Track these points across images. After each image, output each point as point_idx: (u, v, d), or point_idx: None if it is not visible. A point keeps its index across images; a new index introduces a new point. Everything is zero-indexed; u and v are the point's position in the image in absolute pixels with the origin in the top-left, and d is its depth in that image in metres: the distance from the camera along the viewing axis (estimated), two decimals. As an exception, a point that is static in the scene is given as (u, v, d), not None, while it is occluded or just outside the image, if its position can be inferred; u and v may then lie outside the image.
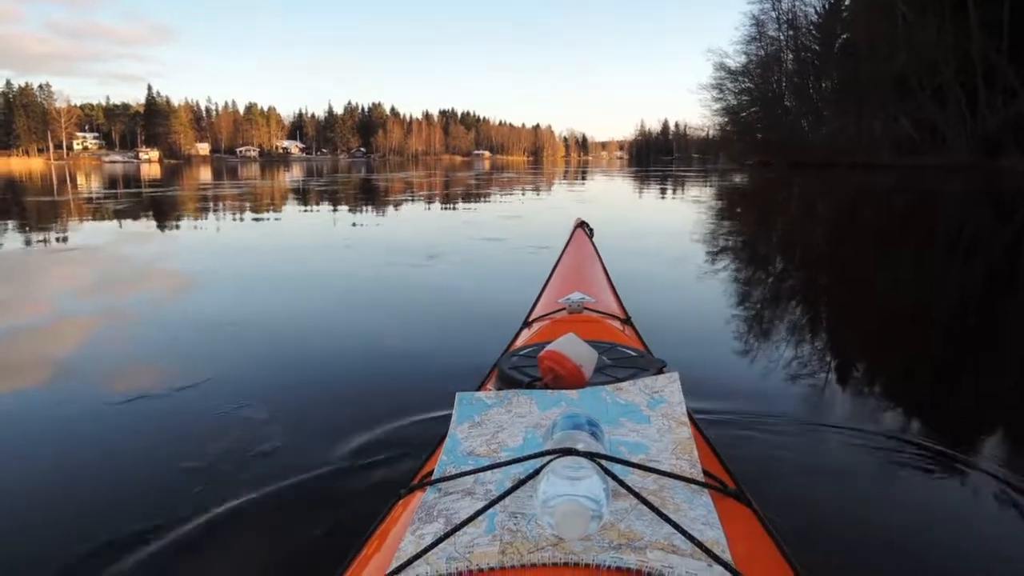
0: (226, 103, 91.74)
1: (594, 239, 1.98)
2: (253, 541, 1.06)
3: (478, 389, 0.97)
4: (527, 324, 1.34)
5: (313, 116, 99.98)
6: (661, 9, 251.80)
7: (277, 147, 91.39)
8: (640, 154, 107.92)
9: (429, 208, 9.04)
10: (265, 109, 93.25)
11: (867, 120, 27.08)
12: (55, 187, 14.47)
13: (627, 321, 1.34)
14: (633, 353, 0.99)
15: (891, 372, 2.09)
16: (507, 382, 0.89)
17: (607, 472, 0.52)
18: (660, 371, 0.88)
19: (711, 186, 15.10)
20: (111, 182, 17.41)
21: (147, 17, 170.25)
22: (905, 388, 1.97)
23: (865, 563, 1.00)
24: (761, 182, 17.42)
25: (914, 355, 2.29)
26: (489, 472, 0.61)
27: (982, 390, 1.89)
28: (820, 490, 1.20)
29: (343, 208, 8.85)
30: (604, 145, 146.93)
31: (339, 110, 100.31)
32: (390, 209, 8.61)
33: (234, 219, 7.45)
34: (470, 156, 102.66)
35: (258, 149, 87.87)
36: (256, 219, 7.47)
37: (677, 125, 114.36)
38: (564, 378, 0.81)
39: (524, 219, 6.68)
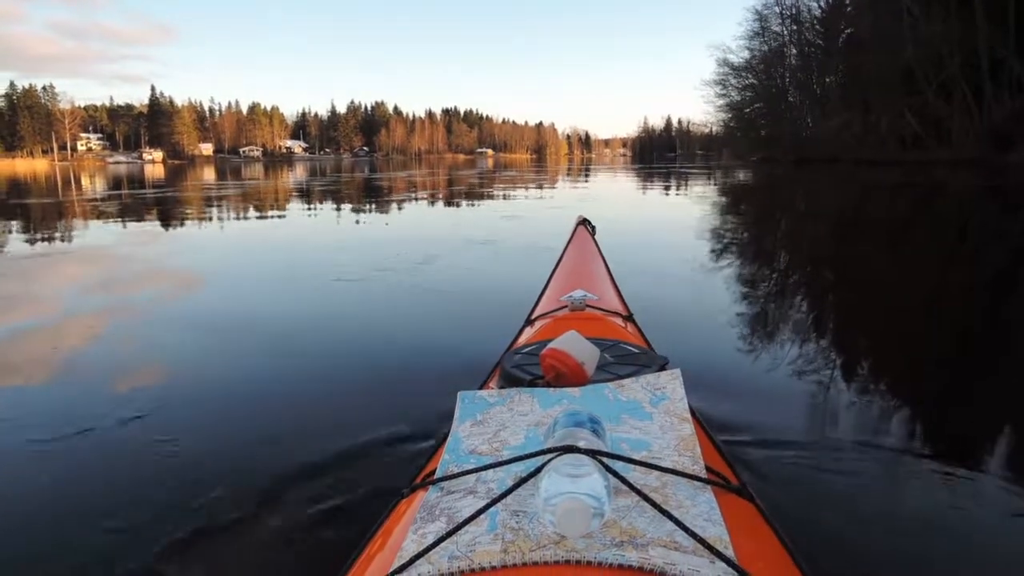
0: (229, 103, 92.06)
1: (596, 236, 1.98)
2: (255, 540, 1.07)
3: (481, 387, 0.97)
4: (529, 322, 1.34)
5: (316, 115, 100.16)
6: (663, 5, 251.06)
7: (280, 147, 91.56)
8: (643, 151, 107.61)
9: (432, 205, 9.05)
10: (268, 109, 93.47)
11: (872, 115, 26.90)
12: (59, 188, 14.54)
13: (629, 318, 1.33)
14: (635, 350, 0.99)
15: (897, 370, 2.08)
16: (509, 380, 0.89)
17: (609, 469, 0.52)
18: (662, 368, 0.88)
19: (714, 183, 15.06)
20: (115, 183, 17.49)
21: (150, 17, 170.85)
22: (912, 386, 1.96)
23: (870, 560, 0.99)
24: (765, 178, 17.35)
25: (921, 353, 2.27)
26: (491, 471, 0.61)
27: (991, 389, 1.87)
28: (824, 486, 1.20)
29: (345, 208, 8.86)
30: (607, 142, 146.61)
31: (342, 109, 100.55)
32: (391, 209, 8.61)
33: (237, 219, 7.47)
34: (473, 154, 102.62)
35: (261, 149, 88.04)
36: (260, 219, 7.50)
37: (680, 122, 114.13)
38: (566, 376, 0.81)
39: (524, 219, 6.64)
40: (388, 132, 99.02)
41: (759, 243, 5.37)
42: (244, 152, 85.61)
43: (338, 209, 8.73)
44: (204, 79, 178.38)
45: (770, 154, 33.61)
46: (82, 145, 77.93)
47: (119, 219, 7.49)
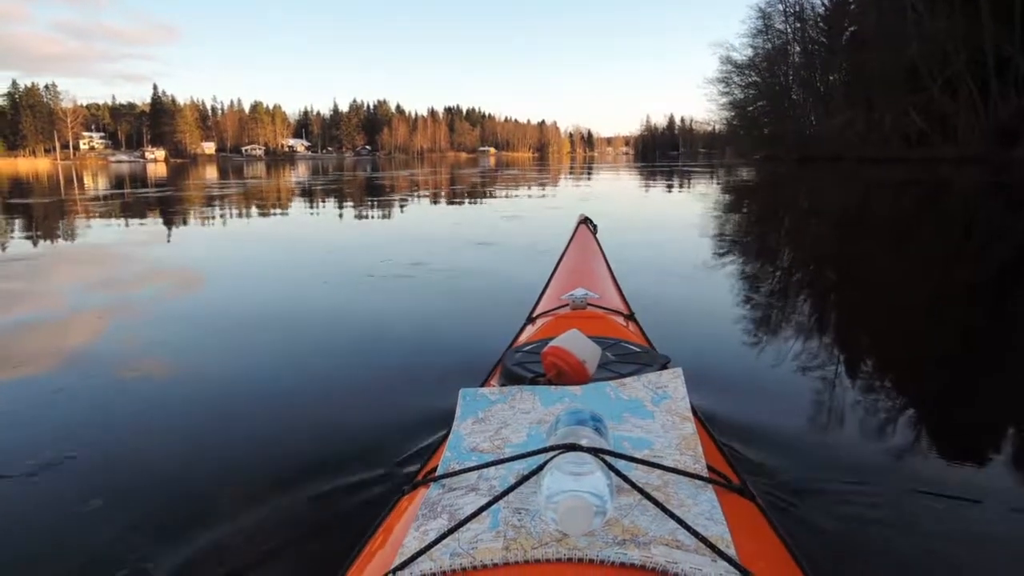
0: (231, 102, 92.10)
1: (597, 235, 1.98)
2: (256, 537, 1.07)
3: (482, 385, 0.97)
4: (531, 320, 1.34)
5: (319, 114, 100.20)
6: (666, 3, 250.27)
7: (283, 145, 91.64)
8: (646, 150, 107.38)
9: (434, 204, 9.05)
10: (270, 107, 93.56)
11: (877, 113, 26.77)
12: (62, 187, 14.57)
13: (631, 317, 1.34)
14: (637, 349, 0.99)
15: (900, 368, 2.07)
16: (511, 378, 0.89)
17: (611, 468, 0.52)
18: (664, 367, 0.88)
19: (717, 181, 15.02)
20: (117, 182, 17.52)
21: (153, 17, 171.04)
22: (915, 384, 1.95)
23: (871, 559, 0.99)
24: (768, 177, 17.30)
25: (925, 352, 2.26)
26: (493, 468, 0.61)
27: (995, 387, 1.86)
28: (825, 486, 1.20)
29: (346, 207, 8.86)
30: (610, 141, 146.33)
31: (344, 108, 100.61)
32: (392, 208, 8.59)
33: (239, 218, 7.48)
34: (475, 153, 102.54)
35: (264, 148, 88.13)
36: (261, 218, 7.51)
37: (683, 120, 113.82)
38: (568, 374, 0.82)
39: (525, 220, 6.58)
40: (390, 131, 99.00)
41: (761, 242, 5.36)
42: (246, 151, 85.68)
43: (339, 208, 8.73)
44: (206, 78, 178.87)
45: (773, 152, 33.52)
46: (84, 144, 78.08)
47: (119, 218, 7.51)
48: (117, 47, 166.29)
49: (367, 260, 4.19)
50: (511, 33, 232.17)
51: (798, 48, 36.06)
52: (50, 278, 3.82)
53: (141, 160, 69.16)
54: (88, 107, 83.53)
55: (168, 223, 7.00)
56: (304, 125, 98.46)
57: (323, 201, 9.90)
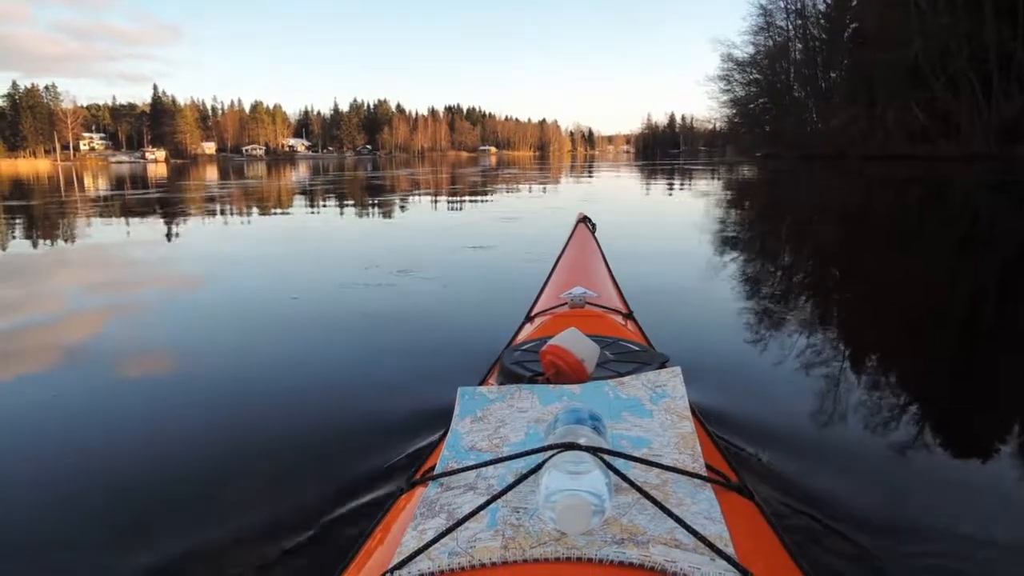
0: (232, 102, 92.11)
1: (596, 234, 1.98)
2: (253, 537, 1.07)
3: (480, 384, 0.97)
4: (529, 319, 1.34)
5: (319, 114, 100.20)
6: (667, 1, 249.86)
7: (283, 145, 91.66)
8: (647, 148, 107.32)
9: (434, 204, 9.05)
10: (271, 107, 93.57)
11: (879, 110, 26.71)
12: (62, 188, 14.59)
13: (629, 316, 1.34)
14: (635, 348, 0.99)
15: (900, 368, 2.07)
16: (509, 377, 0.89)
17: (610, 467, 0.52)
18: (663, 366, 0.88)
19: (719, 179, 15.00)
20: (118, 183, 17.53)
21: (154, 17, 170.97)
22: (915, 383, 1.95)
23: (869, 558, 0.99)
24: (770, 175, 17.27)
25: (925, 351, 2.26)
26: (491, 467, 0.61)
27: (997, 387, 1.86)
28: (823, 485, 1.19)
29: (344, 208, 8.85)
30: (610, 139, 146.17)
31: (345, 107, 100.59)
32: (391, 208, 8.58)
33: (239, 220, 7.49)
34: (476, 152, 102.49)
35: (264, 148, 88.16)
36: (261, 219, 7.51)
37: (684, 118, 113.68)
38: (566, 373, 0.81)
39: (523, 220, 6.48)
40: (391, 130, 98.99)
41: (761, 240, 5.35)
42: (247, 151, 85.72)
43: (338, 209, 8.73)
44: (207, 78, 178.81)
45: (774, 150, 33.49)
46: (84, 145, 78.14)
47: (118, 219, 7.51)
48: (118, 47, 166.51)
49: (362, 260, 4.19)
50: (511, 32, 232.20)
51: (799, 45, 36.03)
52: (48, 278, 3.82)
53: (141, 161, 69.20)
54: (88, 108, 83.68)
55: (168, 224, 7.00)
56: (305, 125, 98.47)
57: (323, 201, 9.90)
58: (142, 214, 8.06)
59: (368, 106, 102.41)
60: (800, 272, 3.97)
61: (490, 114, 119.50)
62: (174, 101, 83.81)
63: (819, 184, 13.10)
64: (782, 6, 35.75)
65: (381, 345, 2.27)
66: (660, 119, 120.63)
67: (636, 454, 0.61)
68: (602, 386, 0.78)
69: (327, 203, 9.51)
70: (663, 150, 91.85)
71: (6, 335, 2.47)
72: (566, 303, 1.28)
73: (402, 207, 8.73)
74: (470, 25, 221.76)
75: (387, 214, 7.85)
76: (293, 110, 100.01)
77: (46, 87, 75.33)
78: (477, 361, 1.23)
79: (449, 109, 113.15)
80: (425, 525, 0.54)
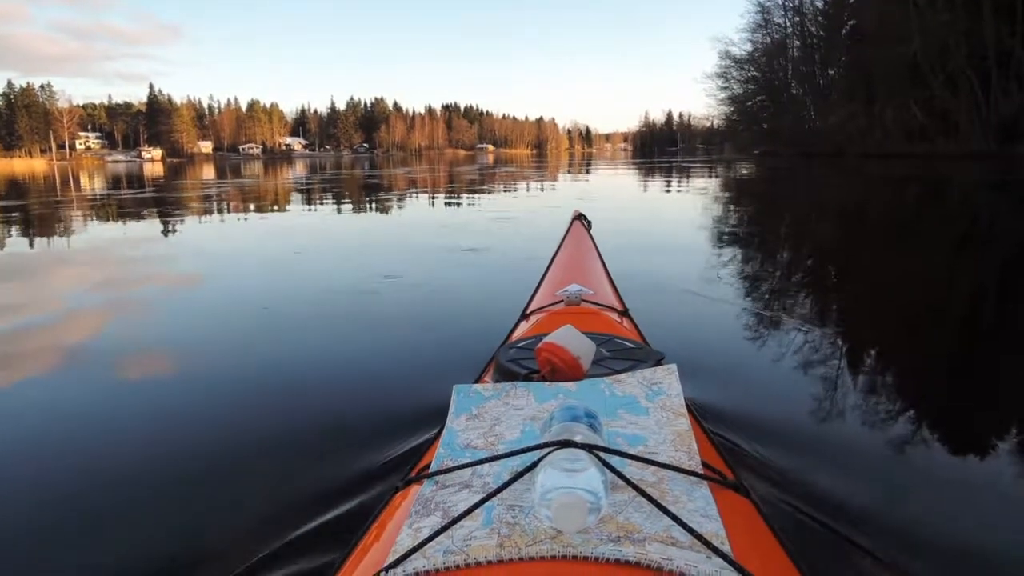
0: (228, 100, 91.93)
1: (592, 231, 1.98)
2: (248, 535, 1.06)
3: (476, 381, 0.97)
4: (525, 316, 1.34)
5: (316, 112, 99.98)
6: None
7: (280, 144, 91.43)
8: (644, 146, 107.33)
9: (431, 203, 9.04)
10: (268, 106, 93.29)
11: (878, 108, 26.72)
12: (58, 188, 14.53)
13: (625, 313, 1.33)
14: (631, 345, 0.99)
15: (897, 366, 2.07)
16: (505, 374, 0.89)
17: (605, 464, 0.51)
18: (658, 363, 0.88)
19: (716, 177, 15.01)
20: (114, 182, 17.47)
21: (152, 17, 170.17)
22: (911, 381, 1.95)
23: (866, 555, 0.99)
24: (767, 172, 17.29)
25: (922, 349, 2.26)
26: (487, 465, 0.61)
27: (996, 385, 1.86)
28: (819, 482, 1.20)
29: (340, 207, 8.83)
30: (608, 137, 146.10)
31: (341, 106, 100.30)
32: (387, 208, 8.54)
33: (236, 219, 7.46)
34: (473, 150, 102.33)
35: (261, 146, 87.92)
36: (259, 218, 7.49)
37: (681, 116, 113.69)
38: (562, 370, 0.81)
39: (519, 221, 6.29)
40: (388, 128, 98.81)
41: (758, 238, 5.35)
42: (244, 149, 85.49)
43: (336, 207, 8.72)
44: (203, 77, 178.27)
45: (772, 148, 33.53)
46: (80, 144, 77.84)
47: (114, 219, 7.48)
48: (117, 47, 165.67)
49: (359, 260, 4.19)
50: (509, 30, 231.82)
51: (797, 42, 36.07)
52: (44, 277, 3.80)
53: (138, 160, 68.96)
54: (84, 107, 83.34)
55: (164, 224, 6.98)
56: (301, 123, 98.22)
57: (319, 201, 9.88)
58: (138, 214, 8.03)
59: (365, 104, 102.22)
60: (797, 270, 3.98)
61: (487, 112, 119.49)
62: (170, 100, 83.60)
63: (817, 182, 13.11)
64: (780, 3, 35.82)
65: (376, 344, 2.27)
66: (657, 117, 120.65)
67: (632, 452, 0.60)
68: (598, 383, 0.77)
69: (323, 203, 9.49)
70: (661, 148, 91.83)
71: (7, 335, 2.46)
72: (562, 300, 1.28)
73: (399, 206, 8.71)
74: (468, 23, 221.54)
75: (383, 213, 7.83)
76: (290, 108, 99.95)
77: (41, 86, 75.10)
78: (471, 361, 1.22)
79: (446, 107, 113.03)
80: (420, 523, 0.54)
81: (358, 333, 2.43)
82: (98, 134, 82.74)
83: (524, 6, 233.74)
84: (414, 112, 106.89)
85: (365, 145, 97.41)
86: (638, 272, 3.18)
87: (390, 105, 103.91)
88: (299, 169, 26.56)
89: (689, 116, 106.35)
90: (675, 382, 0.76)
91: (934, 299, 3.02)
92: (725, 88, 40.69)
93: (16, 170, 31.50)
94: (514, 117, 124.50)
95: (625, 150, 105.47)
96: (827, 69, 34.19)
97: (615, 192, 10.91)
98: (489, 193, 10.52)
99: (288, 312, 2.77)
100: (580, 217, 2.03)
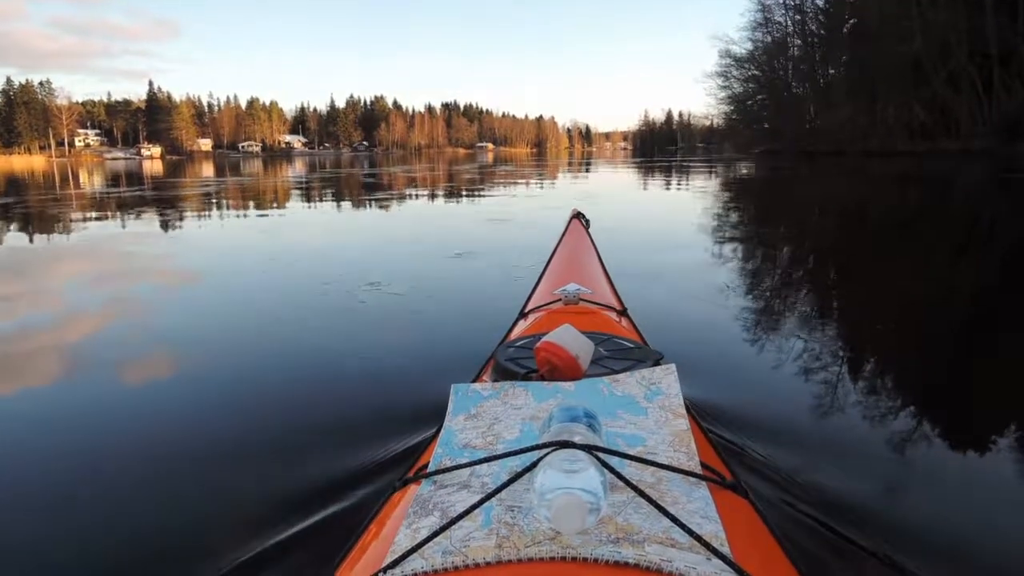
0: (228, 98, 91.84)
1: (590, 230, 1.97)
2: (246, 534, 1.06)
3: (474, 381, 0.96)
4: (523, 315, 1.34)
5: (315, 110, 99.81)
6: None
7: (279, 142, 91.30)
8: (644, 145, 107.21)
9: (431, 201, 9.03)
10: (267, 104, 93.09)
11: (879, 106, 26.68)
12: (57, 185, 14.50)
13: (623, 312, 1.33)
14: (630, 345, 0.99)
15: (895, 366, 2.07)
16: (503, 374, 0.88)
17: (604, 465, 0.51)
18: (657, 363, 0.88)
19: (716, 176, 15.00)
20: (113, 179, 17.45)
21: (151, 12, 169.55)
22: (909, 381, 1.95)
23: (864, 556, 0.99)
24: (768, 172, 17.27)
25: (921, 349, 2.26)
26: (485, 465, 0.61)
27: (996, 385, 1.86)
28: (818, 482, 1.19)
29: (338, 207, 8.81)
30: (608, 136, 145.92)
31: (341, 104, 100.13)
32: (386, 208, 8.48)
33: (235, 217, 7.46)
34: (473, 149, 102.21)
35: (260, 144, 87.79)
36: (260, 216, 7.48)
37: (681, 115, 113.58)
38: (560, 369, 0.81)
39: (516, 223, 6.13)
40: (388, 126, 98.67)
41: (758, 237, 5.35)
42: (243, 147, 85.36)
43: (335, 206, 8.70)
44: (203, 74, 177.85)
45: (773, 147, 33.49)
46: (80, 141, 77.67)
47: (113, 216, 7.47)
48: (116, 43, 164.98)
49: (356, 260, 4.18)
50: (509, 29, 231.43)
51: (798, 41, 36.03)
52: (43, 274, 3.80)
53: (137, 157, 68.86)
54: (84, 104, 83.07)
55: (163, 222, 6.97)
56: (301, 121, 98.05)
57: (319, 199, 9.87)
58: (137, 211, 8.01)
59: (365, 102, 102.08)
60: (797, 268, 3.97)
61: (487, 111, 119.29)
62: (170, 97, 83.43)
63: (817, 181, 13.10)
64: (780, 1, 35.74)
65: (374, 344, 2.26)
66: (657, 116, 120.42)
67: (631, 452, 0.60)
68: (597, 383, 0.77)
69: (322, 201, 9.48)
70: (660, 147, 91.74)
71: (6, 334, 2.45)
72: (560, 299, 1.28)
73: (398, 205, 8.69)
74: (468, 23, 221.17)
75: (381, 212, 7.82)
76: (289, 106, 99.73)
77: (40, 83, 74.81)
78: (471, 360, 1.22)
79: (446, 106, 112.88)
80: (418, 524, 0.54)
81: (356, 332, 2.42)
82: (97, 131, 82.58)
83: (525, 6, 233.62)
84: (414, 110, 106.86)
85: (365, 143, 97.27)
86: (637, 271, 3.18)
87: (390, 103, 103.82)
88: (298, 167, 26.52)
89: (689, 115, 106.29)
90: (674, 382, 0.76)
91: (935, 299, 3.02)
92: (725, 87, 40.68)
93: (15, 167, 31.44)
94: (514, 116, 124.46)
95: (625, 149, 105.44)
96: (828, 68, 34.15)
97: (615, 193, 10.90)
98: (488, 194, 10.51)
99: (285, 310, 2.76)
100: (578, 216, 2.02)
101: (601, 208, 7.10)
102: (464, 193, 10.53)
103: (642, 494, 0.51)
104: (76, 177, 18.89)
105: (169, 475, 1.32)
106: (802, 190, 11.10)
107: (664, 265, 3.74)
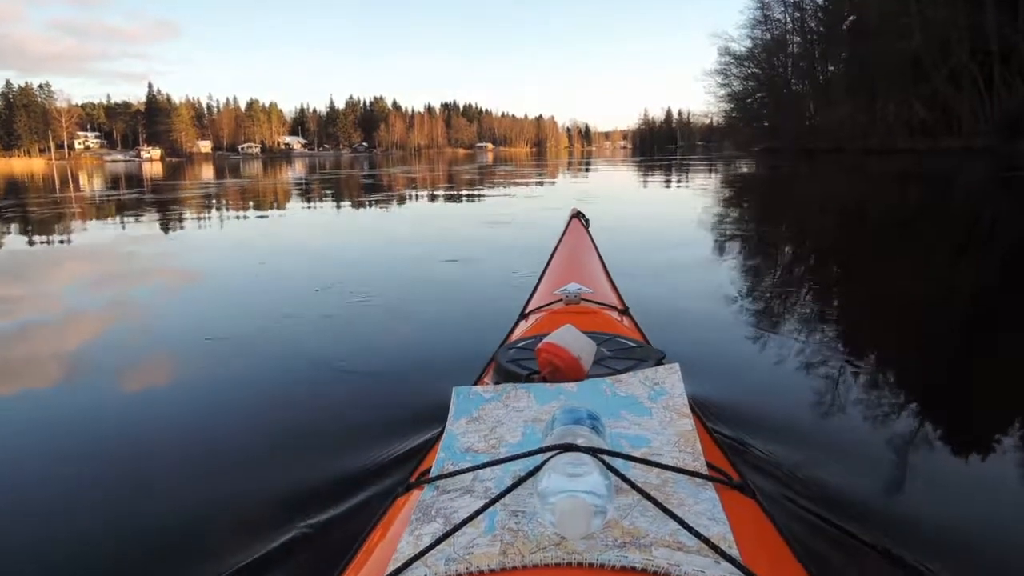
0: (227, 100, 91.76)
1: (590, 229, 1.97)
2: (248, 541, 1.05)
3: (475, 383, 0.95)
4: (524, 316, 1.33)
5: (315, 111, 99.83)
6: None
7: (279, 143, 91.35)
8: (644, 143, 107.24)
9: (431, 201, 9.02)
10: (267, 105, 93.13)
11: (879, 104, 26.63)
12: (57, 188, 14.50)
13: (625, 312, 1.32)
14: (632, 344, 0.98)
15: (900, 365, 2.06)
16: (505, 375, 0.88)
17: (609, 467, 0.50)
18: (660, 362, 0.87)
19: (716, 174, 14.99)
20: (113, 182, 17.45)
21: (150, 14, 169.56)
22: (915, 380, 1.93)
23: (873, 557, 0.98)
24: (767, 170, 17.26)
25: (926, 348, 2.24)
26: (488, 469, 0.60)
27: (999, 385, 1.85)
28: (825, 482, 1.19)
29: (340, 207, 8.81)
30: (607, 135, 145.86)
31: (340, 105, 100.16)
32: (384, 210, 8.47)
33: (235, 219, 7.45)
34: (473, 149, 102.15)
35: (260, 146, 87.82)
36: (259, 217, 7.47)
37: (680, 113, 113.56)
38: (563, 370, 0.80)
39: (514, 225, 6.01)
40: (387, 127, 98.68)
41: (758, 236, 5.34)
42: (242, 149, 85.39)
43: (335, 207, 8.70)
44: (202, 76, 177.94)
45: (773, 145, 33.46)
46: (79, 143, 77.72)
47: (113, 220, 7.47)
48: (115, 46, 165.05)
49: (355, 260, 4.17)
50: (509, 29, 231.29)
51: (797, 38, 36.01)
52: (42, 277, 3.79)
53: (136, 159, 68.89)
54: (83, 106, 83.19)
55: (163, 225, 6.96)
56: (300, 122, 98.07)
57: (319, 200, 9.86)
58: (136, 214, 8.01)
59: (364, 103, 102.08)
60: (797, 267, 3.96)
61: (487, 111, 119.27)
62: (169, 99, 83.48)
63: (817, 179, 13.09)
64: (779, -1, 35.70)
65: (374, 346, 2.26)
66: (657, 115, 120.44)
67: (635, 453, 0.59)
68: (599, 384, 0.76)
69: (322, 202, 9.48)
70: (660, 146, 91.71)
71: (7, 337, 2.45)
72: (561, 299, 1.27)
73: (399, 206, 8.69)
74: (468, 23, 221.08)
75: (381, 213, 7.81)
76: (289, 108, 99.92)
77: (40, 86, 74.94)
78: (472, 362, 1.21)
79: (445, 106, 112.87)
80: (421, 530, 0.53)
81: (357, 335, 2.41)
82: (97, 134, 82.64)
83: (525, 6, 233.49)
84: (413, 111, 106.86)
85: (364, 144, 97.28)
86: (638, 270, 3.17)
87: (389, 104, 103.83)
88: (298, 169, 26.53)
89: (688, 113, 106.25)
90: (678, 381, 0.75)
91: (935, 298, 3.01)
92: (725, 85, 40.67)
93: (15, 170, 31.45)
94: (513, 115, 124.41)
95: (624, 148, 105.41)
96: (827, 65, 34.12)
97: (615, 192, 10.89)
98: (487, 194, 10.49)
99: (285, 312, 2.75)
100: (578, 215, 2.01)
101: (601, 207, 7.09)
102: (464, 194, 10.52)
103: (648, 496, 0.50)
104: (76, 180, 18.89)
105: (170, 478, 1.31)
106: (802, 188, 11.09)
107: (665, 264, 3.73)
